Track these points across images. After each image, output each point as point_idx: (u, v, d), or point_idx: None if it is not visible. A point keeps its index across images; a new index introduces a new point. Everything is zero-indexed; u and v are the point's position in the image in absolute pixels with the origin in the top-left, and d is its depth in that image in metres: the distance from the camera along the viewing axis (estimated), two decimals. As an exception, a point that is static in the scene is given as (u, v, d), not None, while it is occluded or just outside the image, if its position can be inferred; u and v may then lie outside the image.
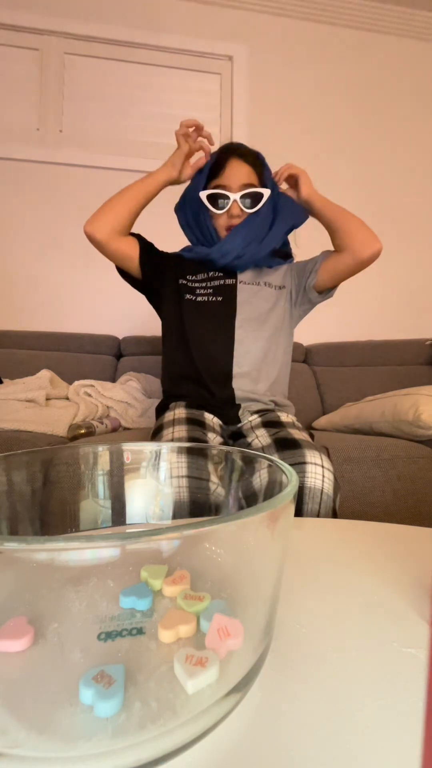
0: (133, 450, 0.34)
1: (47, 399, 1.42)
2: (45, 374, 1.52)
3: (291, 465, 0.63)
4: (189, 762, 0.16)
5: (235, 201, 0.91)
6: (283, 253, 1.04)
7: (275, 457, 0.65)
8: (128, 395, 1.49)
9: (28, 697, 0.17)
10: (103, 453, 0.33)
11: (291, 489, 0.20)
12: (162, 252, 1.05)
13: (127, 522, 0.34)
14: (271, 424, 0.83)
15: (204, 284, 1.00)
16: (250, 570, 0.21)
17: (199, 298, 0.97)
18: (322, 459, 0.66)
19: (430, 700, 0.10)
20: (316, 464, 0.65)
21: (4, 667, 0.19)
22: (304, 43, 2.15)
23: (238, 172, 0.93)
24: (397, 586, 0.31)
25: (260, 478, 0.29)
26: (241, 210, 0.92)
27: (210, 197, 0.93)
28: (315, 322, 1.65)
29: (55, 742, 0.15)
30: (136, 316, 1.99)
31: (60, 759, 0.15)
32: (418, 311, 2.23)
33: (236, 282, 0.98)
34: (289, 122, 2.12)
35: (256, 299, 0.97)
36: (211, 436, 0.80)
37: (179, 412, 0.86)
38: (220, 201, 0.92)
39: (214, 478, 0.59)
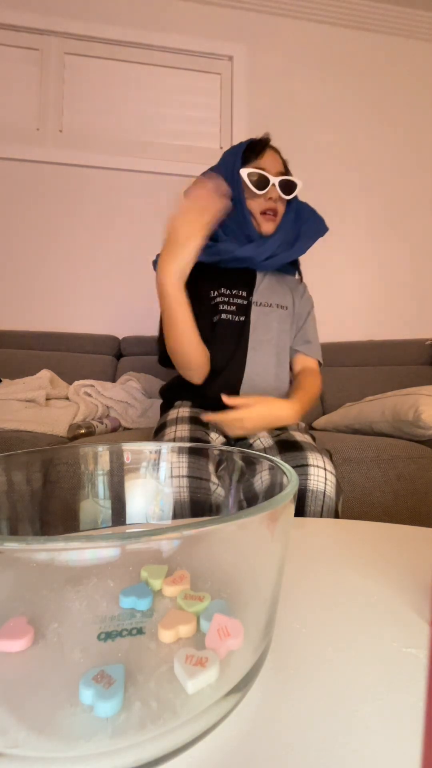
0: (133, 450, 0.34)
1: (47, 399, 1.42)
2: (45, 374, 1.52)
3: (293, 467, 0.62)
4: (189, 762, 0.16)
5: (274, 185, 0.90)
6: (296, 264, 1.06)
7: (276, 456, 0.65)
8: (128, 395, 1.49)
9: (28, 697, 0.17)
10: (103, 453, 0.33)
11: (291, 489, 0.20)
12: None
13: (127, 522, 0.34)
14: (277, 429, 0.82)
15: (227, 300, 0.96)
16: (250, 570, 0.21)
17: (224, 315, 0.94)
18: (324, 462, 0.67)
19: (430, 700, 0.10)
20: (318, 467, 0.65)
21: (4, 667, 0.19)
22: (304, 43, 2.15)
23: (275, 160, 0.93)
24: (397, 586, 0.31)
25: (261, 478, 0.29)
26: (279, 196, 0.91)
27: (251, 176, 0.89)
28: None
29: (55, 742, 0.15)
30: (136, 316, 1.99)
31: (60, 759, 0.15)
32: (418, 311, 2.23)
33: (250, 302, 0.96)
34: (289, 122, 2.12)
35: (268, 320, 0.96)
36: (213, 435, 0.80)
37: (183, 411, 0.86)
38: (260, 182, 0.89)
39: (214, 479, 0.59)
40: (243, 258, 0.92)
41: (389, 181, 2.21)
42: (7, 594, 0.23)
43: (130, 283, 2.00)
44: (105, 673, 0.17)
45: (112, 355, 1.84)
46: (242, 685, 0.19)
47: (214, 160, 1.05)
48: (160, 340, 0.91)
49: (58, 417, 1.27)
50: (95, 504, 0.33)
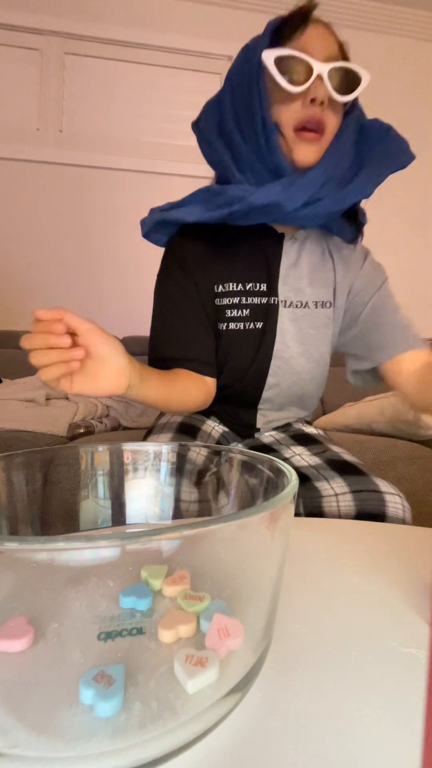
0: (133, 450, 0.34)
1: (47, 399, 1.42)
2: (45, 374, 1.52)
3: (361, 491, 0.58)
4: (189, 762, 0.16)
5: (320, 76, 0.54)
6: (355, 220, 0.69)
7: (336, 480, 0.60)
8: (128, 395, 1.49)
9: (28, 697, 0.17)
10: (104, 453, 0.33)
11: (291, 489, 0.20)
12: (181, 264, 0.69)
13: (127, 522, 0.34)
14: (302, 439, 0.74)
15: (237, 300, 0.68)
16: (250, 570, 0.21)
17: (234, 325, 0.68)
18: (392, 487, 0.61)
19: (430, 700, 0.10)
20: (392, 493, 0.59)
21: (4, 667, 0.19)
22: (304, 43, 2.15)
23: (323, 39, 0.56)
24: (397, 586, 0.31)
25: (261, 478, 0.29)
26: (329, 96, 0.55)
27: (280, 62, 0.54)
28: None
29: (55, 742, 0.15)
30: (136, 316, 1.99)
31: (60, 759, 0.15)
32: (418, 311, 2.23)
33: (274, 303, 0.68)
34: (289, 122, 2.12)
35: (301, 327, 0.69)
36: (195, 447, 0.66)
37: (176, 416, 0.75)
38: (296, 72, 0.54)
39: (187, 496, 0.48)
40: (264, 207, 0.58)
41: (389, 180, 2.21)
42: (7, 594, 0.23)
43: (130, 283, 2.00)
44: (105, 673, 0.17)
45: (112, 355, 1.84)
46: (242, 685, 0.19)
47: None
48: (152, 348, 0.71)
49: (58, 417, 1.28)
50: (95, 504, 0.33)
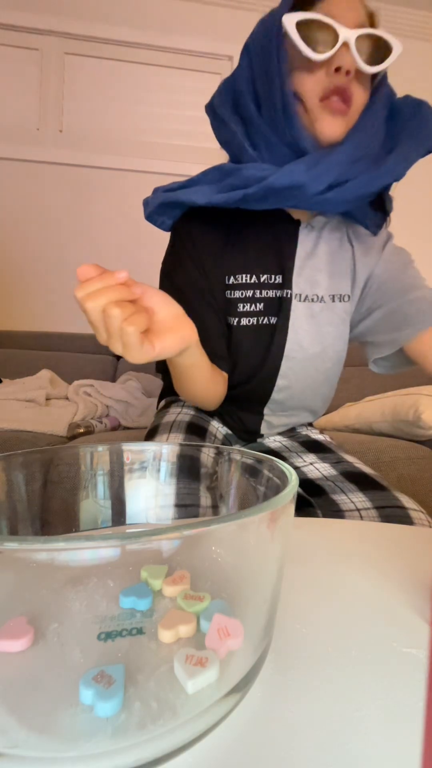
0: (134, 450, 0.34)
1: (47, 399, 1.42)
2: (45, 374, 1.52)
3: (386, 508, 0.56)
4: (189, 762, 0.16)
5: (346, 43, 0.48)
6: (382, 207, 0.63)
7: (356, 494, 0.58)
8: (128, 394, 1.49)
9: (28, 697, 0.17)
10: (104, 453, 0.33)
11: (291, 489, 0.20)
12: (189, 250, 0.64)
13: (127, 522, 0.34)
14: (311, 446, 0.71)
15: (250, 293, 0.63)
16: (250, 570, 0.21)
17: (245, 320, 0.64)
18: (415, 504, 0.59)
19: (430, 700, 0.10)
20: (415, 510, 0.57)
21: (4, 667, 0.19)
22: (304, 43, 2.15)
23: (351, 4, 0.51)
24: (397, 586, 0.31)
25: (261, 478, 0.29)
26: (354, 64, 0.50)
27: (303, 27, 0.49)
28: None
29: (55, 742, 0.15)
30: (136, 316, 1.99)
31: (60, 759, 0.15)
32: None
33: (288, 296, 0.63)
34: (289, 122, 2.12)
35: (317, 323, 0.65)
36: (207, 445, 0.67)
37: (185, 413, 0.72)
38: (321, 39, 0.49)
39: (204, 501, 0.49)
40: (284, 189, 0.52)
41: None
42: (7, 594, 0.23)
43: (130, 283, 2.00)
44: (105, 673, 0.17)
45: (112, 355, 1.84)
46: (242, 685, 0.19)
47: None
48: None
49: (58, 417, 1.28)
50: (95, 504, 0.33)
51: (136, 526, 0.35)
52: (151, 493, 0.35)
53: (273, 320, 0.64)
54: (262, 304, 0.63)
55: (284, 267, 0.63)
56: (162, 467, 0.35)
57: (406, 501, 0.58)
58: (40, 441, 1.09)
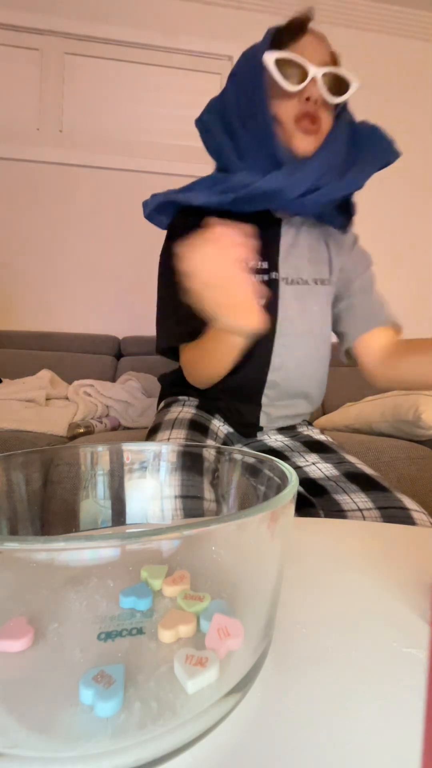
0: (134, 450, 0.34)
1: (47, 399, 1.42)
2: (45, 374, 1.52)
3: (388, 509, 0.57)
4: (189, 762, 0.16)
5: (315, 79, 0.61)
6: (347, 210, 0.75)
7: (358, 494, 0.59)
8: (128, 395, 1.49)
9: (28, 697, 0.17)
10: (104, 453, 0.33)
11: (291, 489, 0.20)
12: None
13: (127, 522, 0.34)
14: (313, 446, 0.73)
15: None
16: (250, 570, 0.21)
17: None
18: (417, 504, 0.60)
19: (430, 700, 0.10)
20: (417, 511, 0.58)
21: (4, 667, 0.19)
22: (304, 43, 2.15)
23: (318, 47, 0.63)
24: (397, 586, 0.31)
25: (261, 478, 0.29)
26: (321, 96, 0.62)
27: (280, 64, 0.61)
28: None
29: (55, 742, 0.15)
30: (136, 316, 2.00)
31: (60, 759, 0.15)
32: (418, 311, 2.23)
33: (275, 278, 0.70)
34: (289, 122, 2.12)
35: (304, 304, 0.72)
36: (210, 443, 0.68)
37: (186, 411, 0.74)
38: (294, 74, 0.61)
39: (208, 494, 0.51)
40: (267, 193, 0.63)
41: (390, 180, 2.21)
42: (7, 594, 0.23)
43: (129, 283, 2.00)
44: (105, 673, 0.17)
45: (112, 355, 1.84)
46: (242, 685, 0.19)
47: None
48: (163, 326, 0.71)
49: (58, 417, 1.28)
50: (95, 504, 0.33)
51: (136, 526, 0.35)
52: (151, 493, 0.35)
53: (263, 301, 0.68)
54: None
55: (270, 256, 0.71)
56: (162, 467, 0.35)
57: (408, 502, 0.59)
58: (40, 441, 1.09)
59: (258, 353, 0.69)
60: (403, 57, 2.25)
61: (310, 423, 0.85)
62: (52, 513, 0.31)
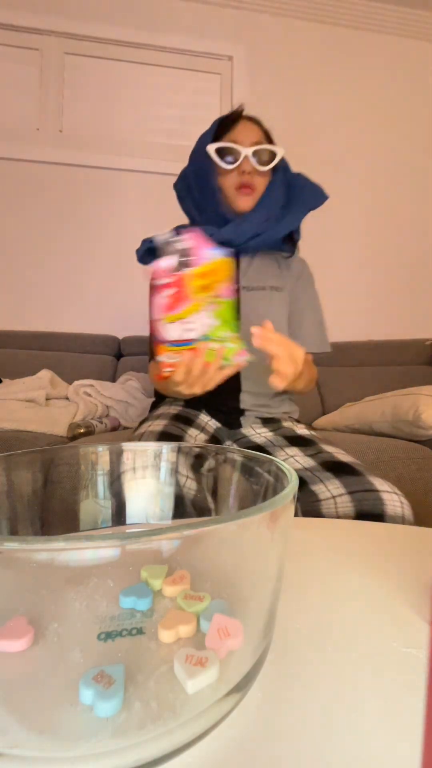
0: (134, 450, 0.34)
1: (47, 399, 1.42)
2: (45, 374, 1.52)
3: (358, 492, 0.59)
4: (189, 762, 0.16)
5: (246, 156, 0.81)
6: (292, 240, 0.93)
7: (332, 481, 0.61)
8: (128, 395, 1.49)
9: (28, 697, 0.17)
10: (104, 453, 0.33)
11: (291, 489, 0.20)
12: None
13: (127, 522, 0.34)
14: (294, 440, 0.77)
15: None
16: (250, 570, 0.21)
17: None
18: (389, 485, 0.63)
19: (430, 700, 0.10)
20: (388, 491, 0.60)
21: (4, 667, 0.19)
22: (304, 43, 2.15)
23: (249, 131, 0.84)
24: (397, 586, 0.31)
25: (261, 478, 0.29)
26: (253, 167, 0.83)
27: (219, 152, 0.83)
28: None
29: (55, 742, 0.15)
30: (136, 316, 1.99)
31: (60, 759, 0.15)
32: (418, 311, 2.23)
33: (240, 287, 0.87)
34: (289, 122, 2.12)
35: (262, 306, 0.87)
36: (193, 432, 0.75)
37: (173, 408, 0.82)
38: (230, 156, 0.82)
39: (184, 471, 0.48)
40: (222, 242, 0.82)
41: (390, 179, 2.21)
42: (7, 594, 0.23)
43: (129, 283, 2.00)
44: (105, 673, 0.17)
45: (112, 355, 1.84)
46: (242, 685, 0.19)
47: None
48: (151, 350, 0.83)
49: (58, 417, 1.28)
50: (95, 504, 0.33)
51: (136, 526, 0.35)
52: (151, 493, 0.35)
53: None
54: None
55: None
56: (162, 466, 0.35)
57: (380, 484, 0.61)
58: (40, 441, 1.09)
59: None
60: (403, 57, 2.25)
61: (298, 421, 0.87)
62: (52, 513, 0.31)
